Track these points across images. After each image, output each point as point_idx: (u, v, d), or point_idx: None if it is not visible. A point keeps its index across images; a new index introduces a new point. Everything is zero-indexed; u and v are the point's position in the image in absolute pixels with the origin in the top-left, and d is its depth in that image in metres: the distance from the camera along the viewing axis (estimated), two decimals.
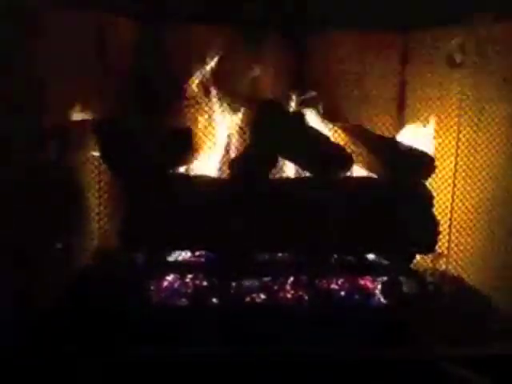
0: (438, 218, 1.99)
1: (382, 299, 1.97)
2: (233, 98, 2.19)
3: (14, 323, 1.62)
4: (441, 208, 2.19)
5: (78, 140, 2.05)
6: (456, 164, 2.15)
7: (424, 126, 2.24)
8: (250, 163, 1.93)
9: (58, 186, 1.88)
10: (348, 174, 1.97)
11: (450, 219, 2.19)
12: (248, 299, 1.92)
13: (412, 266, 2.03)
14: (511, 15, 1.89)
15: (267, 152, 1.96)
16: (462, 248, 2.20)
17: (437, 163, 1.95)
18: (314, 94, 2.20)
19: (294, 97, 2.20)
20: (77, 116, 2.02)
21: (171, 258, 2.04)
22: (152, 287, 1.95)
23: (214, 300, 1.90)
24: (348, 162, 1.92)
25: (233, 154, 2.18)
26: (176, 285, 1.97)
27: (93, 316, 1.76)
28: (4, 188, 1.59)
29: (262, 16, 2.04)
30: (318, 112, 2.20)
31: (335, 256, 2.00)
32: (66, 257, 1.96)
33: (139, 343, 1.66)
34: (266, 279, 1.97)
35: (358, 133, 2.23)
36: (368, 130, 2.24)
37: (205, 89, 2.17)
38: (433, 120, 2.22)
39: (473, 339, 1.76)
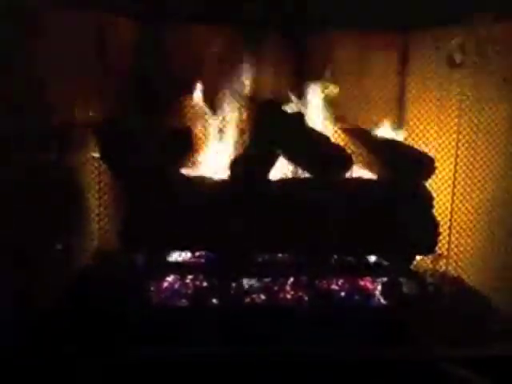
0: (438, 218, 1.98)
1: (382, 300, 1.97)
2: (233, 99, 2.19)
3: (14, 323, 1.62)
4: (441, 209, 2.20)
5: (78, 140, 2.05)
6: (456, 165, 2.16)
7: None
8: (249, 164, 1.92)
9: (57, 186, 1.88)
10: (348, 174, 1.97)
11: (450, 220, 2.19)
12: (248, 300, 1.93)
13: (412, 266, 2.03)
14: (511, 15, 1.89)
15: (267, 152, 1.96)
16: (461, 249, 2.20)
17: (437, 164, 1.95)
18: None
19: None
20: (77, 116, 2.03)
21: (171, 259, 2.04)
22: (152, 288, 1.94)
23: (214, 300, 1.90)
24: (348, 162, 1.92)
25: (233, 155, 2.18)
26: (176, 285, 1.97)
27: (93, 316, 1.76)
28: (4, 188, 1.59)
29: (262, 16, 2.04)
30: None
31: (335, 257, 2.00)
32: (66, 257, 1.96)
33: (139, 344, 1.66)
34: (266, 280, 1.97)
35: (357, 133, 2.23)
36: (368, 131, 2.25)
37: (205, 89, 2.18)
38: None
39: (473, 340, 1.76)
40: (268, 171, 1.94)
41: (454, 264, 2.21)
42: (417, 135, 2.31)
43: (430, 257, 2.14)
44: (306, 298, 1.94)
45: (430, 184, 2.02)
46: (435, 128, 2.26)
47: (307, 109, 2.22)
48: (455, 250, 2.20)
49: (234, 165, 1.92)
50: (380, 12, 2.06)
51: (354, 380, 1.62)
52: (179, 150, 2.05)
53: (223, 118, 2.19)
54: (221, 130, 2.21)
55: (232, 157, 2.10)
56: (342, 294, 1.98)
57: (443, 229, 2.12)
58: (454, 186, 2.17)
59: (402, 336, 1.78)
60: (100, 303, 1.82)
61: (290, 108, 2.19)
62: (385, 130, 2.26)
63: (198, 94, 2.21)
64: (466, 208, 2.17)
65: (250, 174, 1.89)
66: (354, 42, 2.30)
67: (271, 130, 1.96)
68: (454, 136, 2.17)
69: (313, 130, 2.06)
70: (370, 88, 2.33)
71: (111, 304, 1.81)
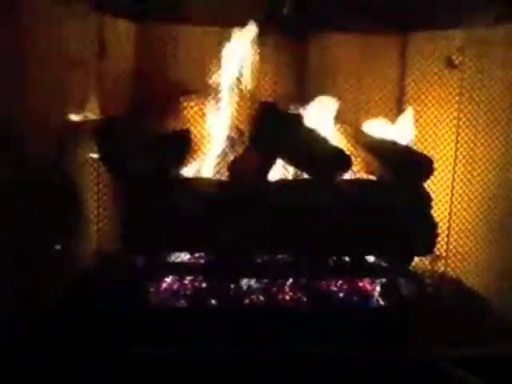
0: (437, 219, 1.98)
1: (381, 301, 1.98)
2: (232, 99, 2.19)
3: (14, 323, 1.62)
4: (439, 210, 2.20)
5: (77, 141, 2.05)
6: (455, 166, 2.16)
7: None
8: (248, 165, 1.93)
9: (56, 186, 1.89)
10: (346, 175, 1.98)
11: (449, 221, 2.19)
12: (248, 300, 1.93)
13: (411, 267, 2.03)
14: (511, 17, 1.90)
15: (266, 154, 1.96)
16: (460, 250, 2.20)
17: (435, 165, 1.95)
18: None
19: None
20: (76, 117, 2.03)
21: (171, 260, 2.04)
22: (152, 289, 1.95)
23: (214, 301, 1.91)
24: (346, 163, 1.92)
25: (232, 156, 2.18)
26: (176, 286, 1.98)
27: (93, 317, 1.76)
28: (4, 188, 1.59)
29: (263, 16, 2.05)
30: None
31: (334, 258, 2.00)
32: (66, 257, 1.96)
33: (139, 344, 1.66)
34: (266, 281, 1.98)
35: (356, 134, 2.23)
36: (366, 132, 2.25)
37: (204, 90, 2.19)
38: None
39: (471, 340, 1.76)
40: (267, 172, 1.95)
41: (452, 265, 2.21)
42: (415, 136, 2.31)
43: (428, 258, 2.14)
44: (306, 299, 1.95)
45: (429, 185, 2.01)
46: (434, 129, 2.27)
47: (306, 109, 2.22)
48: (453, 250, 2.21)
49: (233, 166, 1.92)
50: (379, 12, 2.07)
51: (353, 380, 1.62)
52: (178, 152, 2.05)
53: (222, 119, 2.19)
54: (219, 131, 2.21)
55: (231, 158, 2.10)
56: (341, 294, 1.99)
57: (442, 230, 2.12)
58: (453, 187, 2.17)
59: (400, 336, 1.78)
60: (100, 303, 1.82)
61: (289, 109, 2.20)
62: (383, 131, 2.26)
63: (197, 95, 2.21)
64: (465, 209, 2.18)
65: (249, 175, 1.89)
66: (354, 42, 2.30)
67: (270, 130, 1.96)
68: (453, 137, 2.18)
69: (311, 131, 2.06)
70: (369, 89, 2.33)
71: (111, 304, 1.81)
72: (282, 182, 2.02)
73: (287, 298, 1.95)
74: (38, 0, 1.73)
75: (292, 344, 1.69)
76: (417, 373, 1.63)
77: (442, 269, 2.21)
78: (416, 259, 2.06)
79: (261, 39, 2.12)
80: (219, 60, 2.13)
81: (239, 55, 2.14)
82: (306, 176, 2.00)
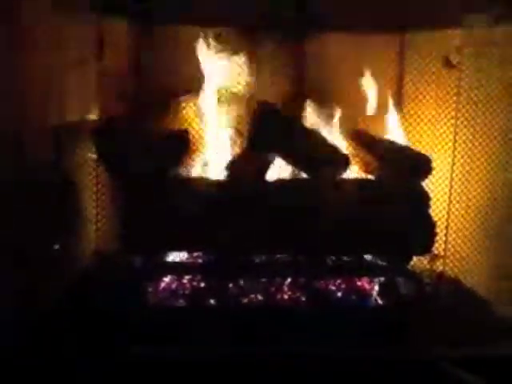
0: (435, 219, 1.98)
1: (380, 300, 1.98)
2: (231, 99, 2.20)
3: (14, 323, 1.62)
4: (438, 209, 2.21)
5: (77, 141, 2.05)
6: (453, 165, 2.17)
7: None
8: (247, 165, 1.93)
9: (56, 186, 1.89)
10: (345, 175, 1.98)
11: (447, 220, 2.20)
12: (247, 300, 1.93)
13: (409, 267, 2.04)
14: (510, 17, 1.90)
15: (265, 153, 1.97)
16: (458, 249, 2.21)
17: (434, 164, 1.95)
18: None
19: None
20: (75, 117, 2.03)
21: (169, 259, 2.04)
22: (152, 289, 1.95)
23: (214, 301, 1.91)
24: (345, 163, 1.92)
25: (230, 155, 2.18)
26: (175, 286, 1.98)
27: (92, 316, 1.76)
28: (4, 188, 1.59)
29: (263, 16, 2.05)
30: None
31: (333, 257, 2.01)
32: (66, 257, 1.96)
33: (139, 344, 1.66)
34: (265, 280, 1.98)
35: (354, 134, 2.24)
36: (365, 131, 2.26)
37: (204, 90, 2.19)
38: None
39: (469, 340, 1.76)
40: (265, 172, 1.95)
41: (450, 264, 2.22)
42: (413, 135, 2.31)
43: (426, 257, 2.15)
44: (305, 299, 1.95)
45: (427, 184, 2.02)
46: (432, 128, 2.27)
47: (305, 109, 2.22)
48: (452, 250, 2.21)
49: (232, 166, 1.93)
50: (379, 12, 2.07)
51: (353, 380, 1.63)
52: (177, 151, 2.05)
53: (221, 119, 2.19)
54: (218, 131, 2.22)
55: (229, 157, 2.10)
56: (340, 294, 1.99)
57: (440, 229, 2.12)
58: (451, 186, 2.18)
59: (400, 336, 1.79)
60: (100, 303, 1.82)
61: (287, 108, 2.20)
62: (382, 130, 2.27)
63: (196, 95, 2.21)
64: (463, 208, 2.18)
65: (248, 175, 1.89)
66: (352, 42, 2.30)
67: (269, 130, 1.96)
68: (451, 136, 2.18)
69: (310, 131, 2.07)
70: (367, 88, 2.32)
71: (111, 304, 1.81)
72: (281, 182, 2.02)
73: (287, 297, 1.95)
74: (38, 0, 1.73)
75: (292, 344, 1.69)
76: (417, 373, 1.63)
77: (441, 268, 2.21)
78: (414, 258, 2.06)
79: (260, 39, 2.13)
80: (219, 60, 2.13)
81: (238, 55, 2.15)
82: (304, 175, 2.00)
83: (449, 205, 2.19)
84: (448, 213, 2.20)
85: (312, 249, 1.92)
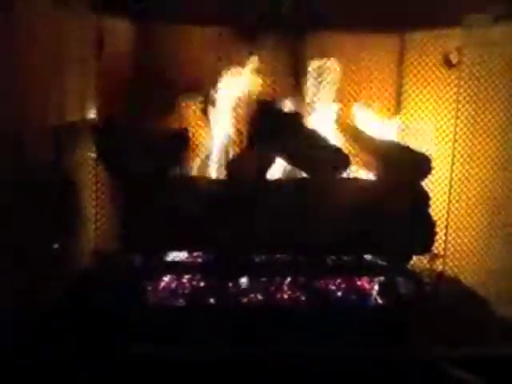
0: (435, 218, 1.98)
1: (380, 300, 1.98)
2: (231, 99, 2.20)
3: (14, 323, 1.62)
4: (437, 208, 2.20)
5: (76, 141, 2.05)
6: (453, 164, 2.17)
7: None
8: (247, 164, 1.93)
9: (56, 186, 1.88)
10: (344, 174, 1.98)
11: (447, 220, 2.20)
12: (247, 300, 1.93)
13: (409, 266, 2.04)
14: (509, 17, 1.90)
15: (265, 153, 1.97)
16: (458, 249, 2.20)
17: (433, 163, 1.95)
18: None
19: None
20: (75, 117, 2.03)
21: (169, 259, 2.04)
22: (151, 288, 1.95)
23: (214, 301, 1.91)
24: (345, 162, 1.92)
25: (230, 155, 2.18)
26: (175, 285, 1.98)
27: (93, 316, 1.76)
28: (4, 188, 1.59)
29: (262, 16, 2.04)
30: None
31: (333, 257, 2.01)
32: (66, 257, 1.96)
33: (139, 343, 1.66)
34: (265, 280, 1.98)
35: (354, 133, 2.24)
36: (364, 131, 2.25)
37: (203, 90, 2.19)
38: None
39: (469, 340, 1.77)
40: (265, 171, 1.95)
41: (450, 264, 2.21)
42: (413, 135, 2.31)
43: (426, 256, 2.15)
44: (305, 298, 1.95)
45: (427, 183, 2.01)
46: (432, 127, 2.27)
47: (305, 109, 2.22)
48: (452, 249, 2.21)
49: (232, 165, 1.92)
50: (378, 12, 2.07)
51: (353, 380, 1.63)
52: (177, 151, 2.05)
53: (221, 118, 2.19)
54: (218, 131, 2.22)
55: (229, 157, 2.10)
56: (340, 294, 1.99)
57: (440, 228, 2.12)
58: (451, 186, 2.18)
59: (400, 336, 1.79)
60: (100, 303, 1.82)
61: (287, 108, 2.20)
62: (382, 130, 2.26)
63: (196, 95, 2.21)
64: (463, 207, 2.18)
65: (248, 174, 1.89)
66: (352, 42, 2.30)
67: (269, 130, 1.96)
68: (451, 136, 2.18)
69: (310, 130, 2.07)
70: (367, 88, 2.33)
71: (111, 304, 1.81)
72: (281, 182, 2.02)
73: (287, 297, 1.95)
74: (38, 0, 1.73)
75: (292, 344, 1.69)
76: (417, 373, 1.63)
77: (441, 267, 2.21)
78: (414, 258, 2.06)
79: (260, 39, 2.12)
80: (219, 60, 2.13)
81: (238, 56, 2.15)
82: (304, 175, 2.00)
83: (448, 204, 2.19)
84: (448, 212, 2.19)
85: (312, 249, 1.92)
